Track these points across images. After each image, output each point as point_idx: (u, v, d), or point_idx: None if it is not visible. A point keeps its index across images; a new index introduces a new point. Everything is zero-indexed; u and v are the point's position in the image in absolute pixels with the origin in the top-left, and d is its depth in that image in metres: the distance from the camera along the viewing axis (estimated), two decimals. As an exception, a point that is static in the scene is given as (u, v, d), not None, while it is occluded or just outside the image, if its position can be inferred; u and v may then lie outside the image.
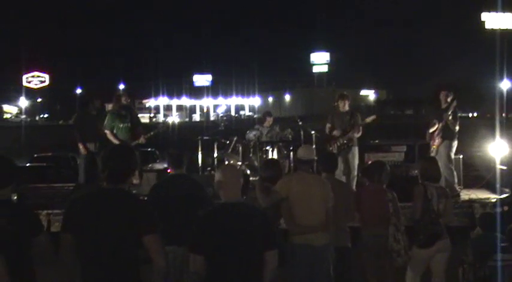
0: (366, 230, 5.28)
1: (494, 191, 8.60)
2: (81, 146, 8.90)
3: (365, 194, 5.47)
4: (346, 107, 8.75)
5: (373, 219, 5.23)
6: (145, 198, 5.28)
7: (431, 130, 8.63)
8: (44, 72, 69.21)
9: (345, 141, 8.54)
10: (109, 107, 9.88)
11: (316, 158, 5.46)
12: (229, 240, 3.40)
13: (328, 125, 8.84)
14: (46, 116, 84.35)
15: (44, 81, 69.13)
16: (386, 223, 5.18)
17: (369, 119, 8.81)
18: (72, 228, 3.19)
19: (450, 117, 8.41)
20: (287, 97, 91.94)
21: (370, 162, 7.30)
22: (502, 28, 44.64)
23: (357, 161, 8.63)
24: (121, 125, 8.67)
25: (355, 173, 8.50)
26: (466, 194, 8.60)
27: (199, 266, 3.40)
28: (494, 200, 8.02)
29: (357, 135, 8.64)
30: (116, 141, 8.41)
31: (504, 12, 45.12)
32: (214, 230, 3.43)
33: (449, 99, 8.56)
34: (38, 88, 69.99)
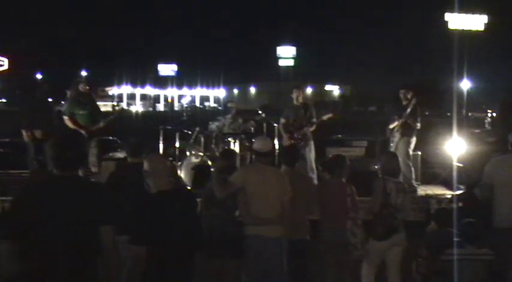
0: (324, 223, 5.31)
1: (450, 188, 8.78)
2: (24, 133, 8.51)
3: (325, 188, 5.52)
4: (301, 99, 8.63)
5: (332, 212, 5.27)
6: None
7: (391, 126, 8.76)
8: (3, 56, 67.03)
9: (299, 137, 8.48)
10: (68, 93, 9.66)
11: (277, 150, 5.47)
12: (172, 226, 3.39)
13: (282, 120, 8.69)
14: (4, 101, 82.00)
15: (3, 65, 66.98)
16: (344, 217, 5.24)
17: (325, 117, 8.80)
18: (22, 223, 3.03)
19: (409, 115, 8.55)
20: (252, 89, 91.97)
21: (330, 157, 7.35)
22: (465, 29, 45.54)
23: (313, 155, 8.63)
24: (81, 112, 8.60)
25: (314, 166, 8.52)
26: (423, 190, 8.77)
27: (143, 258, 3.33)
28: (449, 196, 8.20)
29: (311, 129, 8.62)
30: (74, 127, 8.33)
31: (467, 13, 46.04)
32: (156, 218, 3.40)
33: (409, 96, 8.71)
34: (-3, 72, 67.77)
